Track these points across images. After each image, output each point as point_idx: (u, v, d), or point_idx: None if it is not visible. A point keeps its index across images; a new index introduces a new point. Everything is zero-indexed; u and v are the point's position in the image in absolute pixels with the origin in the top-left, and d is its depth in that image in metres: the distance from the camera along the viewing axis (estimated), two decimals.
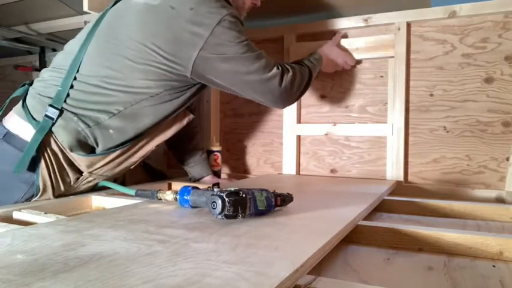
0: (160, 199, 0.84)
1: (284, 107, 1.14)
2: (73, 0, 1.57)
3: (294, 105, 1.51)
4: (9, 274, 0.43)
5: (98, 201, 1.00)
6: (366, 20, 1.40)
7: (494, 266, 0.64)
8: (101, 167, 1.03)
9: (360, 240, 0.76)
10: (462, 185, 1.28)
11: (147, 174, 1.37)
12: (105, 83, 0.97)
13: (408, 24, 1.35)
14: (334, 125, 1.46)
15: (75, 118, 0.97)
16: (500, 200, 1.22)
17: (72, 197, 1.01)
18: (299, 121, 1.53)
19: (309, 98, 1.52)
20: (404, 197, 1.09)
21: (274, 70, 1.02)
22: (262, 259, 0.48)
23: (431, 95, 1.33)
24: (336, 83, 1.48)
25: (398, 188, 1.32)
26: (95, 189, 1.09)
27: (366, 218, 0.82)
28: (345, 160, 1.46)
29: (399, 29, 1.35)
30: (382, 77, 1.40)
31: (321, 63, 1.26)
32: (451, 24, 1.30)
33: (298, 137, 1.53)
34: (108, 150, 1.02)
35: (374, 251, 0.72)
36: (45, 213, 0.81)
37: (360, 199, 0.92)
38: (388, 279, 0.59)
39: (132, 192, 0.92)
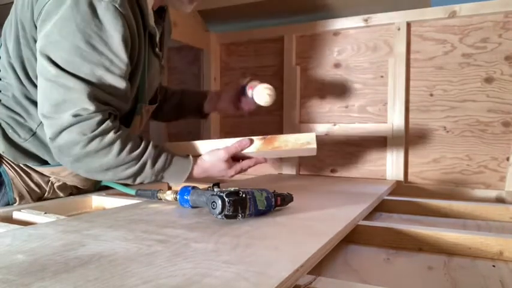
0: (161, 199, 0.84)
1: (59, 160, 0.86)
2: None
3: (294, 106, 1.51)
4: (9, 274, 0.43)
5: (98, 201, 1.00)
6: (366, 20, 1.40)
7: (494, 266, 0.64)
8: (67, 175, 0.96)
9: (360, 240, 0.75)
10: (462, 185, 1.28)
11: None
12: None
13: (408, 24, 1.34)
14: (334, 125, 1.46)
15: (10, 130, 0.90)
16: (500, 200, 1.22)
17: (72, 197, 1.01)
18: (299, 121, 1.53)
19: (309, 97, 1.52)
20: (404, 197, 1.09)
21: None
22: (262, 259, 0.48)
23: (431, 95, 1.33)
24: (336, 83, 1.48)
25: (398, 188, 1.31)
26: (95, 189, 1.09)
27: (366, 218, 0.82)
28: (345, 160, 1.46)
29: (399, 29, 1.35)
30: (382, 77, 1.40)
31: (181, 175, 0.92)
32: (451, 24, 1.30)
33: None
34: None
35: (374, 250, 0.72)
36: (45, 213, 0.81)
37: (360, 199, 0.92)
38: (388, 279, 0.59)
39: (132, 192, 0.92)
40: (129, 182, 0.87)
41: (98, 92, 0.79)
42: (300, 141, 0.95)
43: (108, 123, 0.80)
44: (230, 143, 0.97)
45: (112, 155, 0.81)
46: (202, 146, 0.99)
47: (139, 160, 0.84)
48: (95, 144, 0.79)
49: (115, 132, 0.81)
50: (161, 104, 1.22)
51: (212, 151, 0.96)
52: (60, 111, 0.78)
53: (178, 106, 1.26)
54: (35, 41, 0.83)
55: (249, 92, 1.12)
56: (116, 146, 0.81)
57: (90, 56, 0.78)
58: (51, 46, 0.78)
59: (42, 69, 0.79)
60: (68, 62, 0.77)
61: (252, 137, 0.98)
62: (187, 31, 1.52)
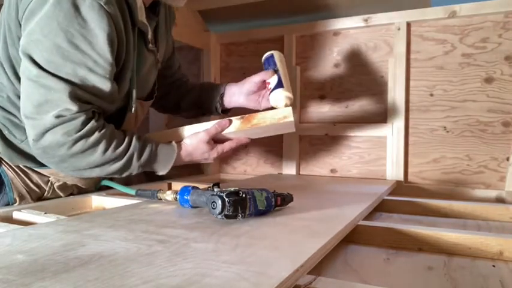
0: (161, 199, 0.84)
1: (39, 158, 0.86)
2: None
3: (294, 106, 1.51)
4: (9, 274, 0.43)
5: (98, 201, 1.00)
6: (366, 20, 1.40)
7: (494, 266, 0.64)
8: (66, 175, 0.95)
9: (360, 240, 0.75)
10: (462, 185, 1.28)
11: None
12: None
13: (408, 24, 1.35)
14: (334, 125, 1.46)
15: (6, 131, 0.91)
16: (500, 200, 1.22)
17: (72, 197, 1.01)
18: (299, 121, 1.53)
19: (309, 98, 1.52)
20: (404, 197, 1.09)
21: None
22: (262, 259, 0.48)
23: (431, 95, 1.33)
24: (335, 83, 1.48)
25: (398, 188, 1.31)
26: (96, 189, 1.09)
27: (366, 218, 0.82)
28: (345, 160, 1.46)
29: (399, 29, 1.35)
30: (382, 77, 1.40)
31: (167, 162, 0.93)
32: (451, 24, 1.30)
33: (299, 137, 1.53)
34: None
35: (374, 250, 0.72)
36: (45, 213, 0.81)
37: (360, 199, 0.92)
38: (388, 279, 0.59)
39: (132, 192, 0.92)
40: (116, 175, 0.88)
41: (80, 92, 0.78)
42: (277, 116, 0.97)
43: (93, 123, 0.80)
44: (210, 126, 0.98)
45: (98, 154, 0.81)
46: (184, 131, 1.00)
47: (125, 155, 0.85)
48: (80, 145, 0.79)
49: (99, 131, 0.81)
50: (178, 100, 1.21)
51: (193, 134, 0.97)
52: (42, 112, 0.77)
53: (196, 103, 1.21)
54: (19, 40, 0.82)
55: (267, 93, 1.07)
56: (102, 145, 0.81)
57: (72, 55, 0.76)
58: (33, 45, 0.77)
59: (24, 69, 0.78)
60: (49, 62, 0.76)
61: (231, 117, 0.99)
62: (187, 31, 1.52)
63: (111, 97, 0.85)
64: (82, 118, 0.78)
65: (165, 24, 1.09)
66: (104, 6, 0.77)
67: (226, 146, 1.00)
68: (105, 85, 0.81)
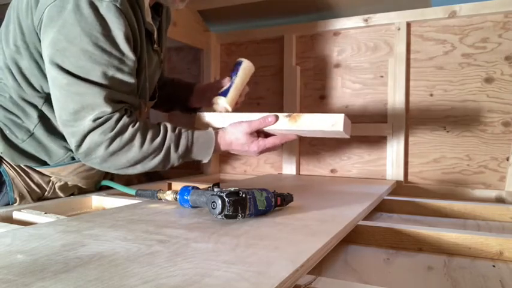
0: (161, 199, 0.84)
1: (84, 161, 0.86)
2: None
3: (294, 106, 1.51)
4: (10, 274, 0.43)
5: (98, 201, 1.00)
6: (366, 20, 1.40)
7: (494, 266, 0.64)
8: (67, 174, 0.97)
9: (360, 240, 0.75)
10: (462, 185, 1.28)
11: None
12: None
13: (408, 24, 1.35)
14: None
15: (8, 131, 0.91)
16: (500, 200, 1.22)
17: (72, 197, 1.01)
18: None
19: (309, 98, 1.52)
20: (404, 197, 1.09)
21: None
22: (262, 259, 0.48)
23: (431, 95, 1.33)
24: (335, 83, 1.48)
25: (399, 188, 1.32)
26: (96, 189, 1.09)
27: (366, 218, 0.82)
28: (345, 160, 1.46)
29: (399, 29, 1.35)
30: (382, 77, 1.40)
31: (206, 150, 0.92)
32: (451, 24, 1.30)
33: (299, 137, 1.52)
34: (63, 162, 0.94)
35: (374, 251, 0.72)
36: (45, 213, 0.81)
37: (360, 199, 0.92)
38: (388, 279, 0.59)
39: (132, 192, 0.92)
40: (159, 169, 0.89)
41: (112, 92, 0.80)
42: (326, 122, 0.90)
43: (125, 119, 0.82)
44: (255, 118, 0.94)
45: (135, 148, 0.83)
46: (226, 118, 0.98)
47: (162, 147, 0.86)
48: (116, 143, 0.81)
49: (133, 126, 0.83)
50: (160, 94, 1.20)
51: (235, 123, 0.95)
52: (79, 119, 0.79)
53: (168, 97, 1.21)
54: (35, 47, 0.84)
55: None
56: (137, 140, 0.83)
57: (100, 58, 0.78)
58: (59, 53, 0.78)
59: (54, 79, 0.79)
60: (79, 67, 0.78)
61: (277, 114, 0.94)
62: (187, 31, 1.52)
63: (135, 92, 0.87)
64: (116, 117, 0.81)
65: (165, 25, 1.10)
66: (120, 7, 0.79)
67: (269, 142, 0.95)
68: (131, 81, 0.83)
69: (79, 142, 0.81)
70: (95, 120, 0.79)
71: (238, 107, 1.12)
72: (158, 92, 1.15)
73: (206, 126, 1.01)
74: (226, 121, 0.98)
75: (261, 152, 0.95)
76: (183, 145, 0.88)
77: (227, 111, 1.04)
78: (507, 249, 0.66)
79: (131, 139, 0.82)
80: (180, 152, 0.88)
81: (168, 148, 0.86)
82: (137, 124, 0.84)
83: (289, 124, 0.93)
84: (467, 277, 0.59)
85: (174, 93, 1.22)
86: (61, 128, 0.83)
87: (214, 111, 1.06)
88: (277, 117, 0.94)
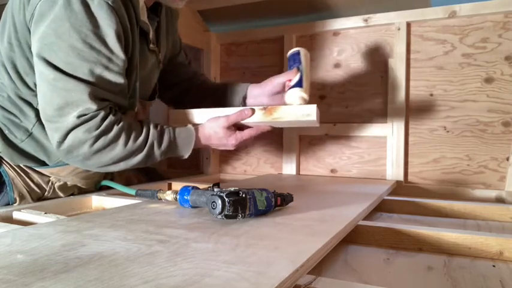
0: (161, 199, 0.84)
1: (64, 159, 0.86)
2: None
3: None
4: (10, 274, 0.43)
5: (98, 201, 1.00)
6: (365, 20, 1.40)
7: (494, 266, 0.64)
8: (67, 175, 0.97)
9: (360, 240, 0.75)
10: (462, 185, 1.28)
11: (137, 171, 1.30)
12: None
13: (408, 24, 1.35)
14: (334, 125, 1.46)
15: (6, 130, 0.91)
16: (500, 200, 1.22)
17: (72, 197, 1.01)
18: None
19: (309, 97, 1.52)
20: (404, 197, 1.09)
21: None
22: (262, 259, 0.48)
23: (431, 95, 1.33)
24: (336, 83, 1.48)
25: (399, 188, 1.32)
26: (96, 189, 1.09)
27: (366, 218, 0.82)
28: (345, 160, 1.46)
29: (399, 29, 1.35)
30: (382, 77, 1.40)
31: (188, 145, 0.94)
32: (451, 24, 1.30)
33: (298, 137, 1.53)
34: (62, 162, 0.93)
35: (374, 251, 0.72)
36: (45, 213, 0.81)
37: (360, 199, 0.92)
38: (388, 279, 0.59)
39: (132, 192, 0.92)
40: (141, 165, 0.89)
41: (98, 90, 0.80)
42: (300, 113, 0.97)
43: (110, 118, 0.81)
44: (231, 112, 0.96)
45: (119, 147, 0.83)
46: (203, 114, 1.00)
47: (145, 145, 0.86)
48: (101, 141, 0.81)
49: (117, 125, 0.82)
50: (199, 100, 1.19)
51: (213, 118, 0.97)
52: (63, 115, 0.78)
53: (218, 105, 1.13)
54: (27, 43, 0.83)
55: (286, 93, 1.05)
56: (122, 139, 0.83)
57: (88, 55, 0.77)
58: (47, 48, 0.77)
59: (40, 73, 0.79)
60: (66, 63, 0.77)
61: (253, 107, 0.97)
62: (187, 31, 1.52)
63: (124, 92, 0.87)
64: (101, 115, 0.80)
65: (166, 25, 1.09)
66: (112, 4, 0.78)
67: (245, 134, 0.98)
68: (119, 81, 0.83)
69: (62, 138, 0.80)
70: (79, 117, 0.78)
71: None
72: (202, 99, 1.16)
73: (182, 122, 1.01)
74: (202, 117, 1.00)
75: (238, 144, 0.98)
76: (165, 141, 0.89)
77: (305, 101, 1.02)
78: (507, 249, 0.66)
79: (116, 138, 0.82)
80: (162, 149, 0.89)
81: (152, 145, 0.87)
82: (121, 123, 0.83)
83: (264, 116, 0.97)
84: (467, 277, 0.59)
85: (223, 100, 1.18)
86: (45, 123, 0.82)
87: (289, 105, 1.02)
88: (253, 111, 0.97)
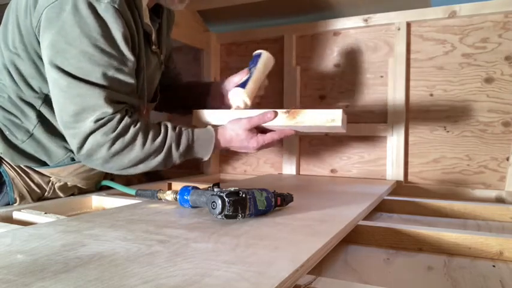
0: (161, 199, 0.84)
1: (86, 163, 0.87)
2: None
3: (294, 105, 1.51)
4: (10, 274, 0.43)
5: (98, 201, 1.00)
6: (366, 20, 1.40)
7: (494, 266, 0.64)
8: (67, 175, 0.97)
9: (360, 240, 0.75)
10: (462, 185, 1.28)
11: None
12: None
13: (408, 24, 1.35)
14: None
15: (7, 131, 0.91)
16: (500, 200, 1.22)
17: (72, 197, 1.01)
18: None
19: (309, 98, 1.52)
20: (404, 197, 1.09)
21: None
22: (262, 259, 0.48)
23: (431, 95, 1.33)
24: (335, 83, 1.48)
25: (399, 188, 1.31)
26: (96, 189, 1.09)
27: (366, 218, 0.82)
28: (345, 160, 1.46)
29: (399, 29, 1.35)
30: (382, 77, 1.40)
31: (207, 148, 0.92)
32: (451, 24, 1.30)
33: (299, 137, 1.53)
34: (63, 162, 0.94)
35: (374, 251, 0.72)
36: (45, 213, 0.81)
37: (360, 199, 0.92)
38: (388, 279, 0.59)
39: (132, 192, 0.92)
40: (161, 168, 0.89)
41: (113, 93, 0.80)
42: (325, 118, 0.92)
43: (126, 120, 0.82)
44: (253, 114, 0.95)
45: (137, 148, 0.83)
46: (225, 115, 0.98)
47: (163, 146, 0.86)
48: (119, 143, 0.81)
49: (134, 126, 0.83)
50: (170, 96, 1.19)
51: (234, 120, 0.95)
52: (80, 120, 0.79)
53: (184, 100, 1.20)
54: (33, 48, 0.84)
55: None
56: (139, 140, 0.83)
57: (99, 59, 0.78)
58: (59, 55, 0.78)
59: (54, 80, 0.79)
60: (79, 69, 0.78)
61: (276, 110, 0.95)
62: (187, 31, 1.52)
63: (135, 93, 0.87)
64: (117, 117, 0.81)
65: (166, 27, 1.10)
66: (118, 7, 0.79)
67: (268, 137, 0.95)
68: (130, 81, 0.83)
69: (81, 144, 0.81)
70: (96, 121, 0.79)
71: (258, 102, 1.08)
72: (171, 95, 1.15)
73: (204, 123, 1.01)
74: (224, 118, 0.98)
75: (260, 147, 0.96)
76: (184, 143, 0.89)
77: (246, 104, 1.01)
78: (507, 249, 0.66)
79: (133, 139, 0.82)
80: (181, 150, 0.88)
81: (170, 147, 0.87)
82: (138, 124, 0.84)
83: (287, 120, 0.94)
84: (467, 277, 0.59)
85: (190, 96, 1.19)
86: (62, 129, 0.83)
87: (231, 105, 1.03)
88: (276, 113, 0.94)
